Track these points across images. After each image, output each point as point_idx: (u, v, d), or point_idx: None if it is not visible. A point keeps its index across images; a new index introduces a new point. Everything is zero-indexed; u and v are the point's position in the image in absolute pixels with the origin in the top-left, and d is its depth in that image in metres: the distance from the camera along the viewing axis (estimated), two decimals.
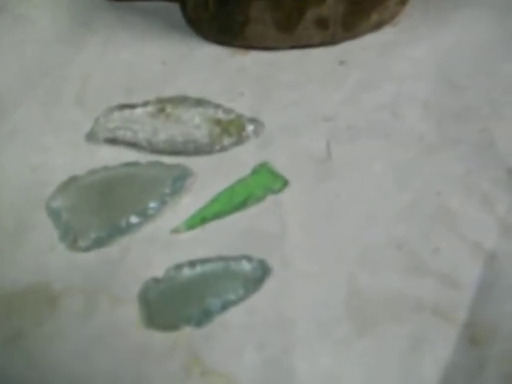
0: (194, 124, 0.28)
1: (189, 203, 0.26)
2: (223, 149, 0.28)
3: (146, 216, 0.25)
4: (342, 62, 0.31)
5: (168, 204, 0.26)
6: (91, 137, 0.29)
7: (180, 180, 0.26)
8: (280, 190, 0.26)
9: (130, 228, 0.25)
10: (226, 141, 0.28)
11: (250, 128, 0.28)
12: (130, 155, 0.28)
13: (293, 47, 0.32)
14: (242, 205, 0.25)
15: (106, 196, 0.26)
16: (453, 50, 0.31)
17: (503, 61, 0.30)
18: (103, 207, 0.25)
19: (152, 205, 0.25)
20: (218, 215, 0.25)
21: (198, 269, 0.23)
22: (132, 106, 0.29)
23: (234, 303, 0.22)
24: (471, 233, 0.24)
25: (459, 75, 0.30)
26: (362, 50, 0.32)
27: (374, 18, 0.32)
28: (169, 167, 0.27)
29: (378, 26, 0.33)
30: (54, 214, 0.25)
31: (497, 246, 0.23)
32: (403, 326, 0.21)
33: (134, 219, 0.25)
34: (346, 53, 0.32)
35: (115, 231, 0.25)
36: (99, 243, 0.24)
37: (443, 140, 0.27)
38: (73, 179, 0.27)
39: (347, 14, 0.31)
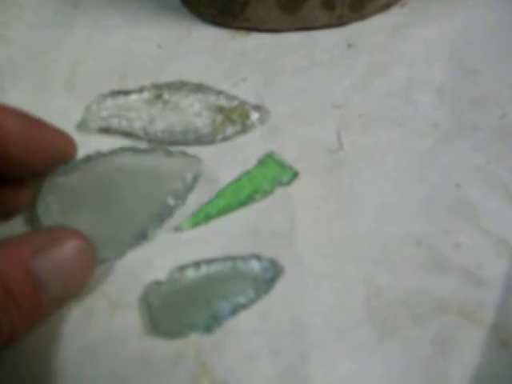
0: (193, 112, 0.26)
1: (191, 198, 0.24)
2: (226, 138, 0.26)
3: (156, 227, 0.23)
4: (350, 45, 0.29)
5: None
6: (83, 126, 0.27)
7: (195, 178, 0.24)
8: (289, 182, 0.24)
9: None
10: (230, 130, 0.26)
11: (254, 116, 0.26)
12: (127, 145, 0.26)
13: (297, 29, 0.30)
14: (249, 199, 0.24)
15: (107, 197, 0.23)
16: (466, 32, 0.29)
17: None
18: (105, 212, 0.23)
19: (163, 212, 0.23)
20: (223, 211, 0.23)
21: (204, 270, 0.22)
22: (126, 93, 0.27)
23: (244, 307, 0.21)
24: (494, 226, 0.22)
25: (474, 58, 0.28)
26: (370, 32, 0.30)
27: None
28: (181, 162, 0.24)
29: (387, 6, 0.31)
30: (45, 214, 0.23)
31: None
32: (427, 328, 0.20)
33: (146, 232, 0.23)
34: (354, 35, 0.30)
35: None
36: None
37: (460, 128, 0.26)
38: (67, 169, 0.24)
39: None
